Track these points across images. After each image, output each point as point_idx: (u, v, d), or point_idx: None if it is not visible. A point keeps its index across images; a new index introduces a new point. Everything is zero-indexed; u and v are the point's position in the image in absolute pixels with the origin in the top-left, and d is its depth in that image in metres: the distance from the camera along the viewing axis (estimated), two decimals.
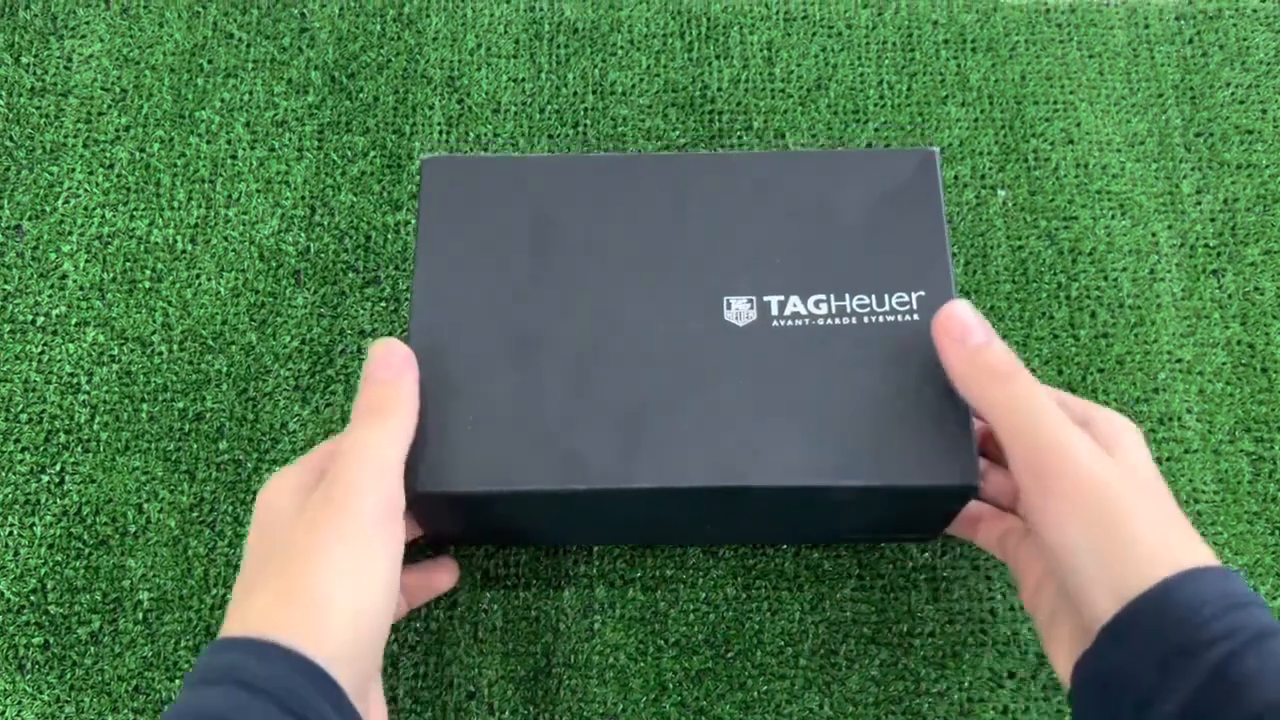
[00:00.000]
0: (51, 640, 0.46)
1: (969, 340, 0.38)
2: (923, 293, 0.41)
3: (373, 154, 0.54)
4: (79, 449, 0.49)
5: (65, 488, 0.48)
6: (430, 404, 0.39)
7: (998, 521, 0.42)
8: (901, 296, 0.41)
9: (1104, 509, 0.34)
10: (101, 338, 0.50)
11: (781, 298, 0.41)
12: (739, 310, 0.41)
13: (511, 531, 0.45)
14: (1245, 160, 0.54)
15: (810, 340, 0.40)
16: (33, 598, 0.46)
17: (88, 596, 0.46)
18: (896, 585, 0.46)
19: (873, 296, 0.41)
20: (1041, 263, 0.52)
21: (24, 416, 0.49)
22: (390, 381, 0.38)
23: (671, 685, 0.45)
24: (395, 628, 0.46)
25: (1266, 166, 0.54)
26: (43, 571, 0.47)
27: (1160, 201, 0.53)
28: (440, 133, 0.55)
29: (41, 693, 0.45)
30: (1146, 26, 0.57)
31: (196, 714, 0.31)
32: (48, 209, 0.53)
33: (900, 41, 0.57)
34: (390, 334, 0.51)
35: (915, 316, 0.40)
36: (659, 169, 0.43)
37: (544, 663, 0.45)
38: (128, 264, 0.52)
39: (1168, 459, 0.48)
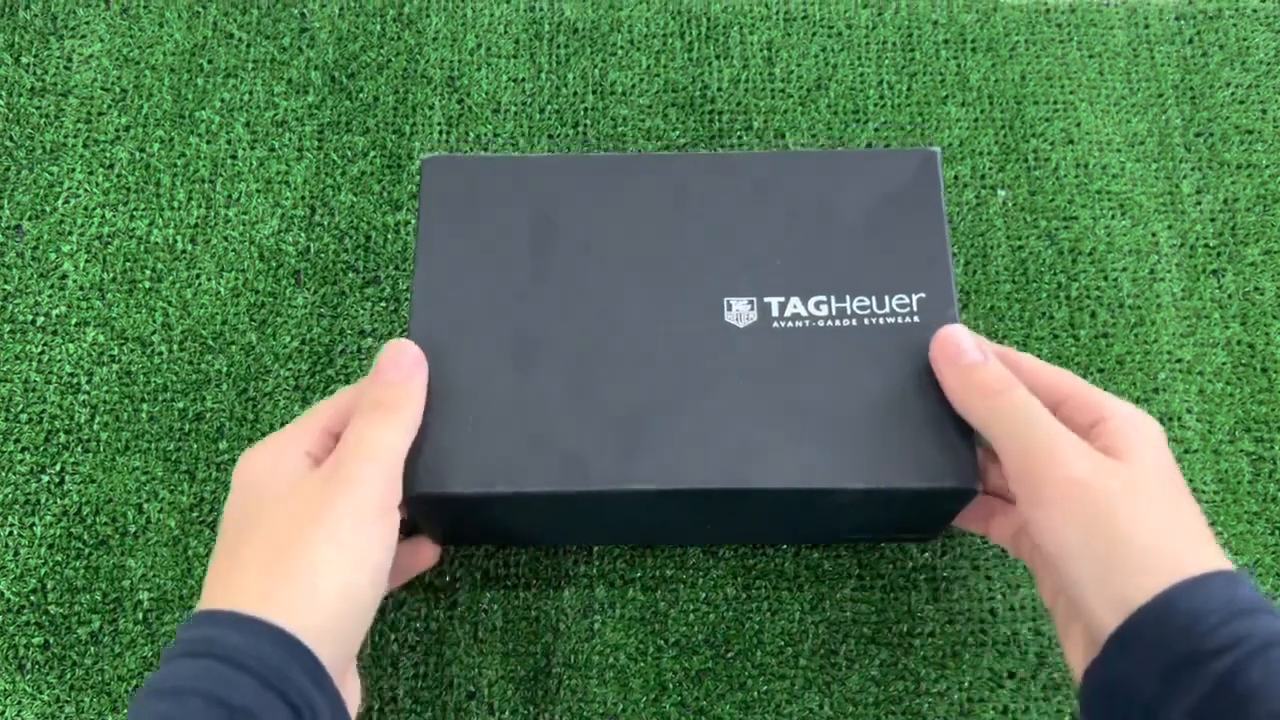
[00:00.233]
0: (51, 640, 0.46)
1: (962, 359, 0.38)
2: (923, 294, 0.41)
3: (373, 154, 0.54)
4: (79, 449, 0.49)
5: (65, 488, 0.48)
6: (430, 405, 0.39)
7: (1013, 517, 0.42)
8: (902, 298, 0.41)
9: (1098, 516, 0.34)
10: (101, 338, 0.50)
11: (782, 299, 0.41)
12: (739, 311, 0.41)
13: (511, 532, 0.45)
14: (1245, 160, 0.54)
15: (810, 342, 0.40)
16: (33, 598, 0.46)
17: (88, 596, 0.46)
18: (896, 585, 0.46)
19: (873, 298, 0.41)
20: (1041, 263, 0.52)
21: (24, 416, 0.49)
22: (401, 382, 0.38)
23: (671, 685, 0.45)
24: (395, 627, 0.46)
25: (1266, 166, 0.54)
26: (43, 571, 0.47)
27: (1160, 201, 0.53)
28: (440, 133, 0.55)
29: (41, 693, 0.45)
30: (1146, 26, 0.57)
31: (176, 688, 0.31)
32: (48, 209, 0.53)
33: (900, 41, 0.57)
34: (390, 334, 0.51)
35: (916, 319, 0.40)
36: (659, 169, 0.43)
37: (544, 663, 0.45)
38: (128, 264, 0.52)
39: None
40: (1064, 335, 0.51)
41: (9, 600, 0.46)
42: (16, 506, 0.48)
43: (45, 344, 0.50)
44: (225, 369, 0.50)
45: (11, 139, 0.54)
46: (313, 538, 0.34)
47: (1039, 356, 0.50)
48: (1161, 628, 0.32)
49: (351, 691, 0.36)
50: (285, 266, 0.52)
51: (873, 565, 0.47)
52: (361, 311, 0.51)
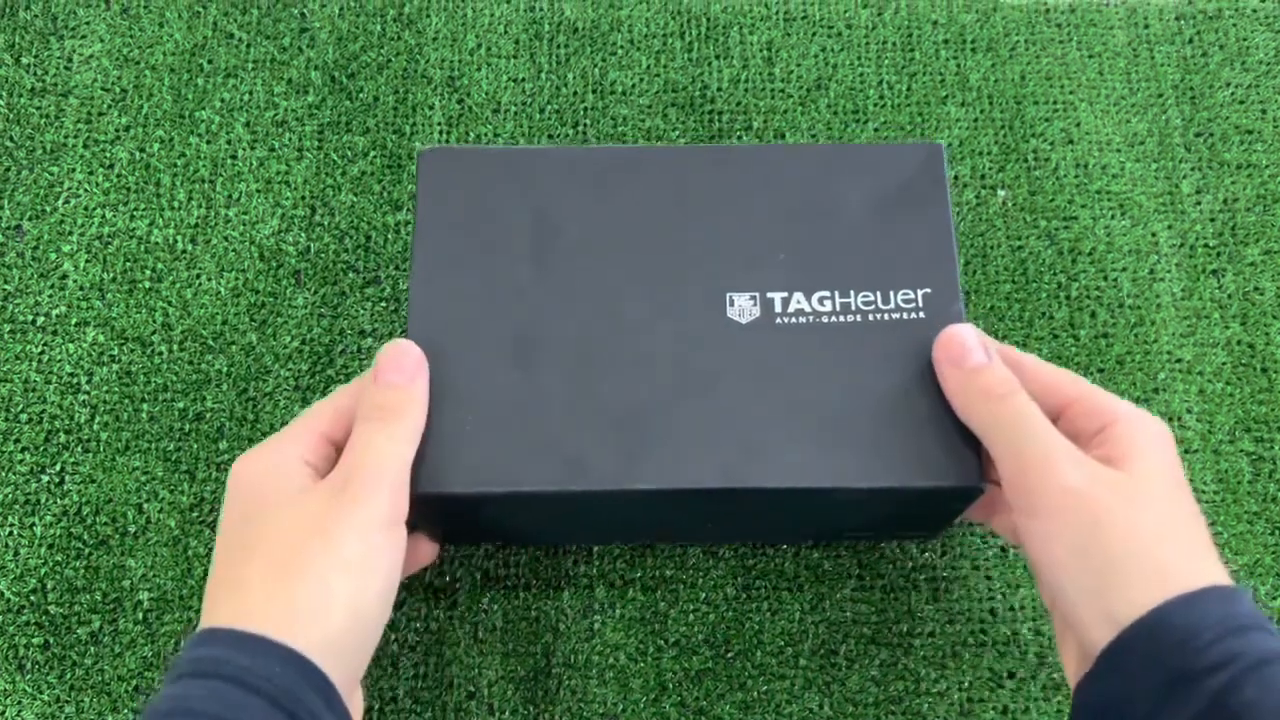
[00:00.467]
0: (51, 640, 0.46)
1: (966, 362, 0.37)
2: (928, 290, 0.40)
3: (373, 154, 0.54)
4: (79, 449, 0.49)
5: (65, 488, 0.48)
6: (430, 404, 0.38)
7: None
8: (907, 294, 0.40)
9: (1091, 528, 0.33)
10: (101, 338, 0.50)
11: (785, 294, 0.40)
12: (742, 307, 0.40)
13: (511, 532, 0.45)
14: (1245, 160, 0.54)
15: (814, 338, 0.40)
16: (33, 598, 0.46)
17: (88, 596, 0.46)
18: (896, 585, 0.46)
19: (878, 294, 0.40)
20: (1041, 263, 0.52)
21: (24, 416, 0.49)
22: (403, 385, 0.37)
23: (671, 685, 0.45)
24: (395, 627, 0.46)
25: (1266, 166, 0.54)
26: (43, 571, 0.47)
27: (1160, 201, 0.53)
28: (440, 133, 0.55)
29: (41, 693, 0.45)
30: (1146, 26, 0.57)
31: (185, 710, 0.30)
32: (48, 209, 0.53)
33: (900, 41, 0.57)
34: (390, 334, 0.51)
35: (921, 314, 0.40)
36: (661, 162, 0.43)
37: (544, 663, 0.45)
38: (128, 264, 0.52)
39: None
40: (1064, 335, 0.51)
41: (9, 600, 0.46)
42: (16, 506, 0.48)
43: (45, 344, 0.50)
44: (225, 369, 0.50)
45: (11, 139, 0.54)
46: (321, 555, 0.33)
47: (1039, 356, 0.50)
48: (1154, 644, 0.31)
49: (356, 707, 0.36)
50: (285, 266, 0.52)
51: (873, 565, 0.47)
52: (361, 311, 0.51)
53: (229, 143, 0.54)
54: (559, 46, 0.57)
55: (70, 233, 0.52)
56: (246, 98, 0.55)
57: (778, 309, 0.40)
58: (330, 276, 0.52)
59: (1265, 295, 0.51)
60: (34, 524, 0.47)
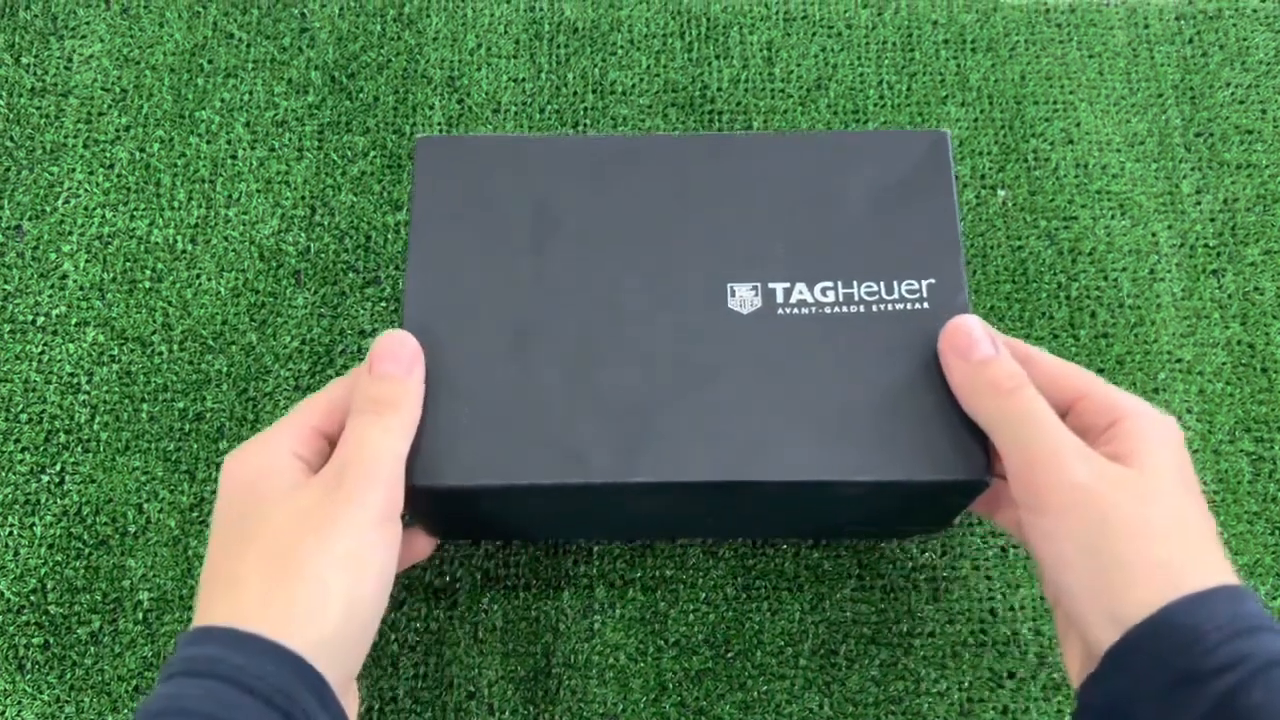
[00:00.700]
0: (51, 640, 0.46)
1: (973, 354, 0.37)
2: (933, 280, 0.39)
3: (373, 154, 0.54)
4: (79, 449, 0.49)
5: (65, 488, 0.48)
6: (424, 395, 0.38)
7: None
8: (911, 284, 0.39)
9: (1097, 525, 0.32)
10: (101, 338, 0.50)
11: (787, 285, 0.40)
12: (743, 298, 0.40)
13: (508, 527, 0.45)
14: (1245, 160, 0.54)
15: (817, 329, 0.39)
16: (33, 598, 0.46)
17: (88, 596, 0.46)
18: (896, 585, 0.46)
19: (881, 284, 0.40)
20: (1041, 263, 0.52)
21: (24, 416, 0.49)
22: (399, 377, 0.37)
23: (671, 685, 0.45)
24: (395, 627, 0.46)
25: (1266, 166, 0.54)
26: (43, 571, 0.47)
27: (1160, 201, 0.53)
28: (440, 133, 0.55)
29: (41, 693, 0.45)
30: (1146, 26, 0.57)
31: (178, 710, 0.30)
32: (48, 209, 0.53)
33: (900, 41, 0.57)
34: None
35: (925, 305, 0.39)
36: (661, 151, 0.42)
37: (544, 663, 0.45)
38: (128, 264, 0.52)
39: None
40: (1064, 335, 0.51)
41: (9, 600, 0.46)
42: (16, 506, 0.48)
43: (45, 344, 0.50)
44: (225, 369, 0.50)
45: (11, 139, 0.54)
46: (315, 552, 0.32)
47: None
48: (1160, 645, 0.31)
49: (351, 705, 0.35)
50: (285, 266, 0.52)
51: (873, 565, 0.47)
52: (361, 311, 0.51)
53: (229, 143, 0.54)
54: (559, 46, 0.57)
55: (70, 233, 0.52)
56: (246, 98, 0.55)
57: (779, 299, 0.39)
58: (330, 276, 0.52)
59: (1265, 295, 0.51)
60: (34, 524, 0.47)
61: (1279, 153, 0.54)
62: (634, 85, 0.56)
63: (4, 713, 0.44)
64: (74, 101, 0.55)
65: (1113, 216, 0.53)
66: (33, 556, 0.47)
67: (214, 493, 0.48)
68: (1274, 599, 0.46)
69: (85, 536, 0.47)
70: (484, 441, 0.37)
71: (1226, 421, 0.49)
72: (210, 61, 0.56)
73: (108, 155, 0.54)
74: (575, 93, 0.56)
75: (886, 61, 0.56)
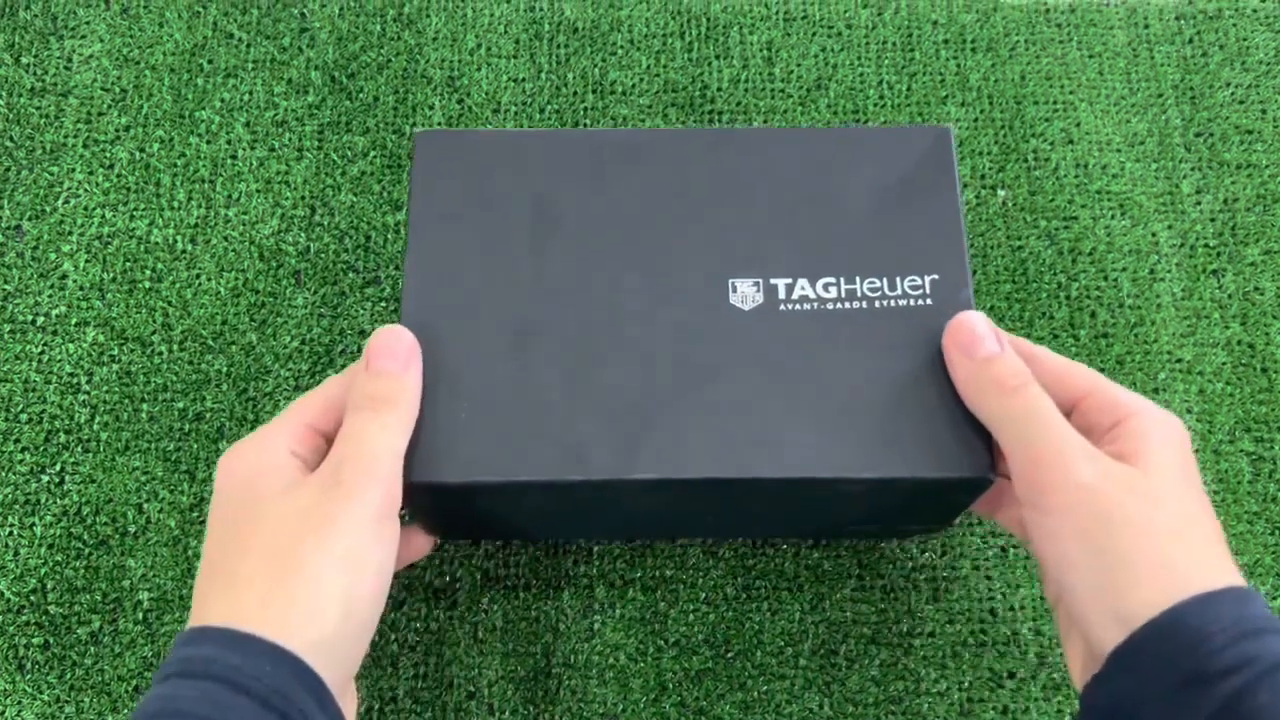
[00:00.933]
0: (51, 640, 0.46)
1: (978, 351, 0.36)
2: (936, 276, 0.39)
3: (373, 154, 0.54)
4: (79, 449, 0.49)
5: (65, 488, 0.48)
6: (422, 391, 0.37)
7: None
8: (914, 280, 0.39)
9: (1102, 525, 0.32)
10: (101, 338, 0.50)
11: (789, 280, 0.39)
12: (745, 293, 0.39)
13: (507, 525, 0.44)
14: (1245, 160, 0.54)
15: (819, 325, 0.39)
16: (33, 598, 0.46)
17: (88, 596, 0.46)
18: (896, 585, 0.46)
19: (884, 279, 0.39)
20: (1041, 263, 0.52)
21: (24, 416, 0.49)
22: (396, 374, 0.36)
23: (671, 685, 0.45)
24: (395, 627, 0.46)
25: (1266, 166, 0.54)
26: (43, 571, 0.47)
27: (1160, 201, 0.53)
28: None
29: (41, 693, 0.45)
30: (1146, 26, 0.57)
31: (174, 711, 0.30)
32: (48, 209, 0.53)
33: (900, 41, 0.57)
34: None
35: (928, 301, 0.39)
36: (662, 145, 0.42)
37: (544, 663, 0.45)
38: (128, 264, 0.52)
39: None
40: (1064, 335, 0.51)
41: (9, 600, 0.46)
42: (16, 506, 0.48)
43: (45, 344, 0.50)
44: (225, 369, 0.50)
45: (11, 139, 0.54)
46: (312, 552, 0.32)
47: None
48: (1166, 646, 0.31)
49: (350, 706, 0.35)
50: (285, 266, 0.52)
51: (873, 565, 0.47)
52: (361, 311, 0.51)
53: (229, 143, 0.54)
54: (559, 46, 0.57)
55: (70, 233, 0.52)
56: (246, 98, 0.55)
57: (781, 295, 0.39)
58: (330, 276, 0.52)
59: (1265, 295, 0.51)
60: (34, 524, 0.47)
61: (1279, 153, 0.54)
62: (634, 85, 0.56)
63: (4, 713, 0.44)
64: (74, 101, 0.55)
65: (1113, 216, 0.53)
66: (33, 556, 0.47)
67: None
68: (1274, 599, 0.46)
69: (85, 536, 0.47)
70: (483, 437, 0.37)
71: (1226, 421, 0.49)
72: (210, 61, 0.56)
73: (108, 155, 0.54)
74: (575, 93, 0.56)
75: (886, 61, 0.56)
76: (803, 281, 0.39)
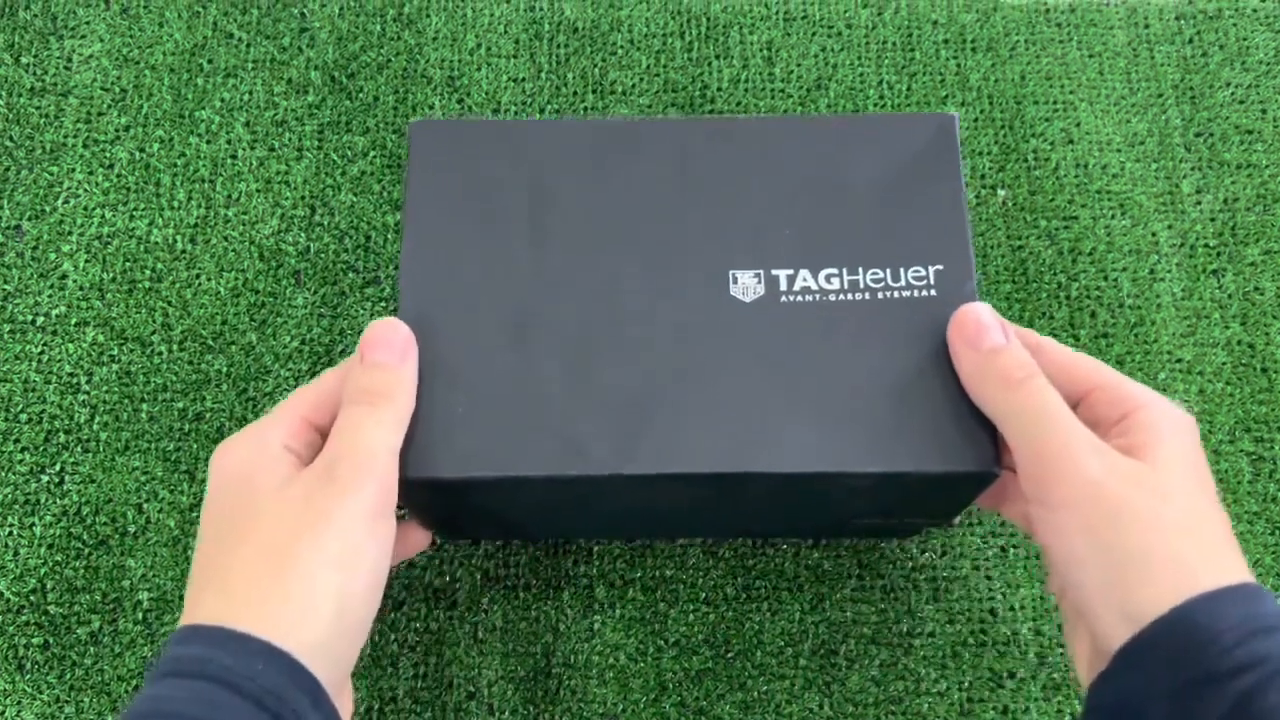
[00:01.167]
0: (51, 640, 0.46)
1: (983, 343, 0.36)
2: (940, 267, 0.38)
3: (373, 154, 0.54)
4: (79, 449, 0.49)
5: (65, 488, 0.48)
6: (419, 384, 0.36)
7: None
8: (918, 271, 0.38)
9: (1110, 521, 0.32)
10: (101, 338, 0.50)
11: (791, 271, 0.39)
12: (746, 285, 0.39)
13: (507, 524, 0.44)
14: (1245, 160, 0.54)
15: (821, 317, 0.38)
16: (33, 598, 0.46)
17: (88, 596, 0.46)
18: (896, 585, 0.46)
19: (887, 270, 0.38)
20: (1041, 263, 0.52)
21: (24, 416, 0.49)
22: (392, 366, 0.36)
23: (671, 685, 0.45)
24: (395, 627, 0.46)
25: (1266, 166, 0.54)
26: (43, 571, 0.47)
27: (1160, 201, 0.53)
28: None
29: (41, 693, 0.45)
30: (1146, 26, 0.57)
31: (167, 712, 0.29)
32: (48, 209, 0.53)
33: (900, 41, 0.57)
34: None
35: (932, 292, 0.38)
36: (661, 134, 0.41)
37: (544, 663, 0.45)
38: (128, 264, 0.52)
39: None
40: (1064, 335, 0.51)
41: (9, 600, 0.46)
42: (16, 506, 0.48)
43: (45, 344, 0.50)
44: (225, 369, 0.50)
45: (11, 139, 0.54)
46: (306, 549, 0.32)
47: None
48: (1175, 644, 0.30)
49: (346, 706, 0.34)
50: (285, 266, 0.52)
51: (873, 565, 0.47)
52: (361, 311, 0.51)
53: (229, 143, 0.54)
54: (559, 46, 0.57)
55: (70, 233, 0.52)
56: (246, 98, 0.55)
57: (783, 287, 0.38)
58: (330, 276, 0.52)
59: (1265, 295, 0.51)
60: (34, 524, 0.47)
61: (1279, 153, 0.54)
62: (634, 85, 0.56)
63: (4, 713, 0.44)
64: (74, 101, 0.55)
65: (1113, 216, 0.53)
66: (33, 556, 0.47)
67: None
68: (1275, 600, 0.46)
69: (85, 536, 0.47)
70: (480, 432, 0.36)
71: (1226, 421, 0.49)
72: (210, 61, 0.56)
73: (107, 155, 0.54)
74: (575, 93, 0.56)
75: (886, 61, 0.56)
76: (804, 273, 0.39)
